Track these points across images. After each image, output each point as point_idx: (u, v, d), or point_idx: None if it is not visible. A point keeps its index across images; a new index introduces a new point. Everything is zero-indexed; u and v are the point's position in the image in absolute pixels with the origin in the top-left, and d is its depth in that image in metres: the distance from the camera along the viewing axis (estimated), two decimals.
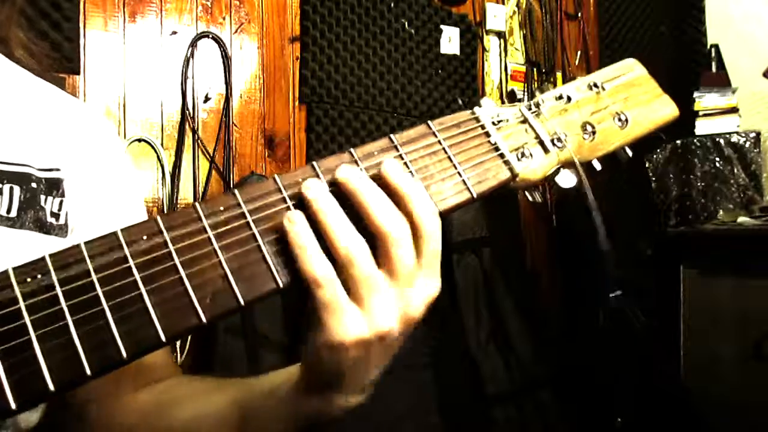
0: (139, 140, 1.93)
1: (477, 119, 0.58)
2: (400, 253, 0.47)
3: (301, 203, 0.49)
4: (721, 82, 2.78)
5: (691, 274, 2.38)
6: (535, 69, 2.87)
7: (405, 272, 0.48)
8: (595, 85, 0.64)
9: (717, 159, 2.57)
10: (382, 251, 0.47)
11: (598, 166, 0.62)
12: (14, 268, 0.41)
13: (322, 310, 0.46)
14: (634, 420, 2.23)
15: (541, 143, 0.59)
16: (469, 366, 2.25)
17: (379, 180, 0.50)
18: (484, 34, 2.75)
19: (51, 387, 0.40)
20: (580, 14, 3.06)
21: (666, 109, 0.66)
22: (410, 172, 0.53)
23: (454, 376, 2.19)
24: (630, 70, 0.67)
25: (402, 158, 0.53)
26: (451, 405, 2.10)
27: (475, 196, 0.55)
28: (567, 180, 0.60)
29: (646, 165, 2.67)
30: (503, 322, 2.35)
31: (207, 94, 2.05)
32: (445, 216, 0.54)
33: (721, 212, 2.51)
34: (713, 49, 2.93)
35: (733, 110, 2.72)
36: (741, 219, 2.42)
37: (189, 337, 1.85)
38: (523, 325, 2.37)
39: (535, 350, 2.36)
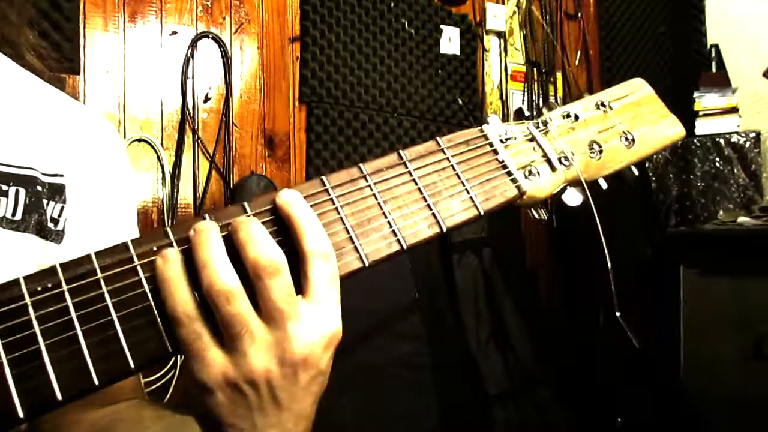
0: (139, 140, 1.93)
1: (485, 137, 0.59)
2: (271, 286, 0.43)
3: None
4: (721, 82, 2.78)
5: (691, 274, 2.39)
6: (535, 69, 2.87)
7: (280, 308, 0.44)
8: (603, 104, 0.65)
9: (717, 159, 2.57)
10: (254, 287, 0.44)
11: (604, 184, 0.63)
12: (25, 277, 0.41)
13: (184, 351, 0.43)
14: (634, 420, 2.23)
15: (549, 161, 0.60)
16: (469, 366, 2.25)
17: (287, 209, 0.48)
18: (484, 34, 2.75)
19: (59, 396, 0.40)
20: (580, 14, 3.06)
21: (672, 129, 0.67)
22: (419, 188, 0.53)
23: (454, 376, 2.19)
24: (637, 89, 0.68)
25: (411, 174, 0.53)
26: (451, 405, 2.10)
27: (482, 212, 0.55)
28: (573, 198, 0.61)
29: (646, 165, 2.67)
30: (503, 321, 2.35)
31: (207, 94, 2.05)
32: (452, 231, 0.54)
33: (721, 212, 2.51)
34: (713, 49, 2.94)
35: (733, 110, 2.73)
36: (741, 219, 2.43)
37: None
38: (523, 325, 2.37)
39: (535, 350, 2.36)
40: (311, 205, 0.48)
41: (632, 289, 2.46)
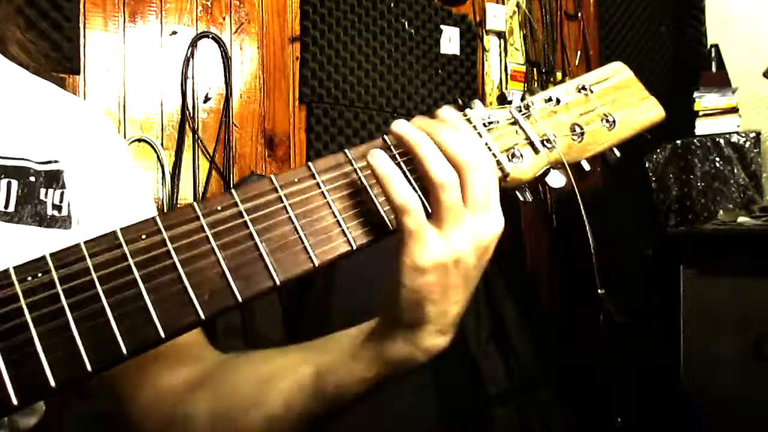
0: (139, 140, 1.94)
1: (469, 120, 0.59)
2: (476, 182, 0.51)
3: (299, 204, 0.50)
4: (721, 82, 2.78)
5: (691, 274, 2.38)
6: (535, 69, 2.87)
7: (481, 198, 0.51)
8: (584, 88, 0.66)
9: (717, 159, 2.57)
10: (463, 179, 0.51)
11: (587, 166, 0.64)
12: (15, 267, 0.42)
13: (408, 236, 0.49)
14: (634, 420, 2.23)
15: (531, 144, 0.61)
16: (469, 366, 2.25)
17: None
18: (484, 34, 2.76)
19: (52, 383, 0.40)
20: (580, 14, 3.06)
21: (652, 111, 0.68)
22: (404, 172, 0.54)
23: (454, 376, 2.19)
24: (617, 73, 0.69)
25: (397, 158, 0.54)
26: (451, 405, 2.10)
27: None
28: (557, 180, 0.62)
29: (646, 165, 2.67)
30: (503, 322, 2.35)
31: (207, 94, 2.05)
32: None
33: (721, 212, 2.51)
34: (713, 49, 2.93)
35: (733, 110, 2.72)
36: (741, 219, 2.42)
37: None
38: (523, 325, 2.37)
39: (535, 350, 2.36)
40: (298, 190, 0.50)
41: (632, 289, 2.45)
